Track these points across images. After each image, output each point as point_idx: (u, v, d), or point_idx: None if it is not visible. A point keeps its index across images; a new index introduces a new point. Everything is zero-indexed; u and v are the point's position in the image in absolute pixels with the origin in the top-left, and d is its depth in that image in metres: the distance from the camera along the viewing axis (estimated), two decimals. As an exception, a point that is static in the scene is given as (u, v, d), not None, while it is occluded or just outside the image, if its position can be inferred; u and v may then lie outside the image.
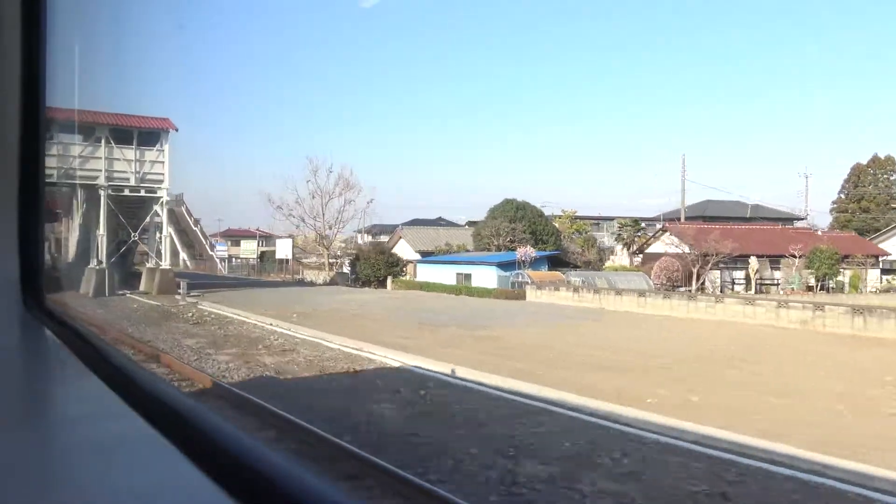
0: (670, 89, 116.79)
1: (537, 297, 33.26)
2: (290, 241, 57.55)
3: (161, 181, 36.06)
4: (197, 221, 77.71)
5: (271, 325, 21.86)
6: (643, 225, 53.86)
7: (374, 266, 45.42)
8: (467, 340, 18.66)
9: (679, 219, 53.72)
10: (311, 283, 50.08)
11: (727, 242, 37.99)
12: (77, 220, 41.29)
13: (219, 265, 75.85)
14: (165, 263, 36.43)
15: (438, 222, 67.41)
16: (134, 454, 1.07)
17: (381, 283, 45.58)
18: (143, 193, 36.16)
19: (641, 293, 30.00)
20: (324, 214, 53.84)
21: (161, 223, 36.66)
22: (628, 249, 51.03)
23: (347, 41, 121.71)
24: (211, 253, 78.79)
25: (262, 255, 67.28)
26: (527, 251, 37.48)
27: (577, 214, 57.79)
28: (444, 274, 41.15)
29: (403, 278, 45.36)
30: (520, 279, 35.73)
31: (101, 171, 34.46)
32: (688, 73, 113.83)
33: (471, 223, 66.37)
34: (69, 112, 31.45)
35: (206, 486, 0.85)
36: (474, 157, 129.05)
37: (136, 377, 1.43)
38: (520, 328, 21.83)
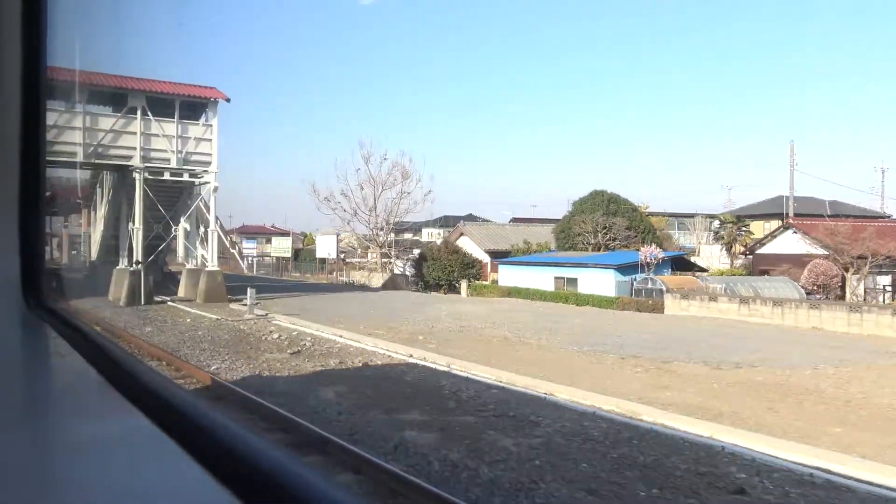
0: (720, 84, 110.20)
1: (684, 309, 26.56)
2: (334, 238, 50.83)
3: (208, 162, 29.35)
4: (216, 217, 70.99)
5: (410, 356, 15.18)
6: (747, 222, 47.05)
7: (445, 268, 38.75)
8: (787, 398, 11.98)
9: (786, 214, 46.90)
10: (365, 287, 43.41)
11: (888, 243, 31.36)
12: (102, 210, 34.58)
13: (242, 264, 69.24)
14: (213, 263, 29.69)
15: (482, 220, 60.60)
16: (136, 452, 1.06)
17: (453, 288, 38.92)
18: (185, 178, 29.46)
19: (854, 307, 23.29)
20: (375, 207, 47.16)
21: (208, 214, 29.90)
22: (728, 249, 44.28)
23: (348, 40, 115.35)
24: (233, 251, 72.16)
25: (296, 254, 60.57)
26: (652, 251, 30.78)
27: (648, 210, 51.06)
28: (536, 277, 34.45)
29: (481, 282, 38.64)
30: (648, 285, 29.00)
31: (135, 149, 27.74)
32: (739, 66, 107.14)
33: (516, 220, 59.81)
34: (95, 76, 24.43)
35: (209, 483, 0.84)
36: (496, 154, 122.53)
37: (138, 375, 1.45)
38: (810, 367, 15.10)
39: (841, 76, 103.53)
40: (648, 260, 30.26)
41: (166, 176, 28.71)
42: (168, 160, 28.48)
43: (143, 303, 27.18)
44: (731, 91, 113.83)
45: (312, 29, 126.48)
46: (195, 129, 29.10)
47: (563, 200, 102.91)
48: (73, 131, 26.54)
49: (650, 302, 27.81)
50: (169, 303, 28.21)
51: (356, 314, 24.58)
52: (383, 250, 47.38)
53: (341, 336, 18.16)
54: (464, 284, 38.27)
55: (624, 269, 30.69)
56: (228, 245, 74.31)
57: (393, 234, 48.88)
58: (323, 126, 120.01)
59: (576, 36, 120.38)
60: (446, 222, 62.07)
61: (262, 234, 77.89)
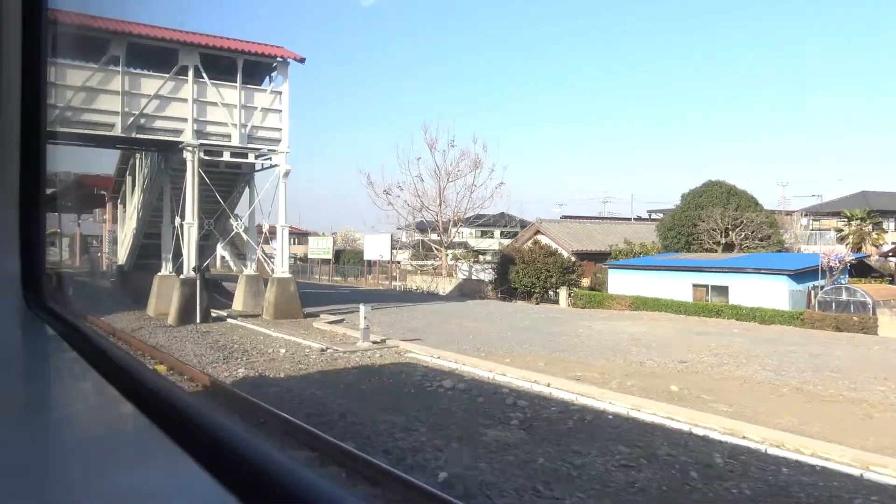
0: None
1: (911, 330, 20.13)
2: (386, 238, 44.48)
3: (277, 139, 22.98)
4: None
5: (735, 436, 8.81)
6: (878, 218, 40.59)
7: (540, 272, 32.38)
8: None
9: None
10: (434, 295, 37.06)
11: None
12: (134, 203, 28.23)
13: (268, 267, 63.01)
14: (283, 269, 23.30)
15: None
16: (136, 451, 1.06)
17: (544, 296, 32.56)
18: (247, 159, 23.11)
19: None
20: (444, 201, 40.83)
21: (276, 203, 23.53)
22: (858, 250, 37.81)
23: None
24: (259, 253, 65.95)
25: (337, 256, 54.21)
26: (836, 252, 24.39)
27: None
28: (664, 285, 28.08)
29: (582, 289, 32.22)
30: (843, 296, 22.58)
31: (187, 121, 21.37)
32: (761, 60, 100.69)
33: (566, 217, 53.35)
34: (133, 26, 17.68)
35: (208, 483, 0.84)
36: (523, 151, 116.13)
37: (138, 374, 1.45)
38: None
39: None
40: (833, 263, 23.86)
41: (225, 157, 22.34)
42: (228, 136, 22.10)
43: (198, 320, 20.83)
44: (770, 85, 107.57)
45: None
46: (261, 98, 22.72)
47: (587, 199, 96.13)
48: (108, 97, 20.21)
49: (855, 319, 21.37)
50: (229, 320, 21.85)
51: (494, 337, 18.22)
52: (456, 251, 41.02)
53: (542, 383, 11.81)
54: (563, 292, 31.88)
55: (799, 275, 24.29)
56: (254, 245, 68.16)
57: (462, 233, 42.52)
58: (372, 107, 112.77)
59: (591, 31, 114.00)
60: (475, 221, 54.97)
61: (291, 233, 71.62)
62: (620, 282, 30.86)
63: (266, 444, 0.91)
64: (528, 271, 32.77)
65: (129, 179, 29.53)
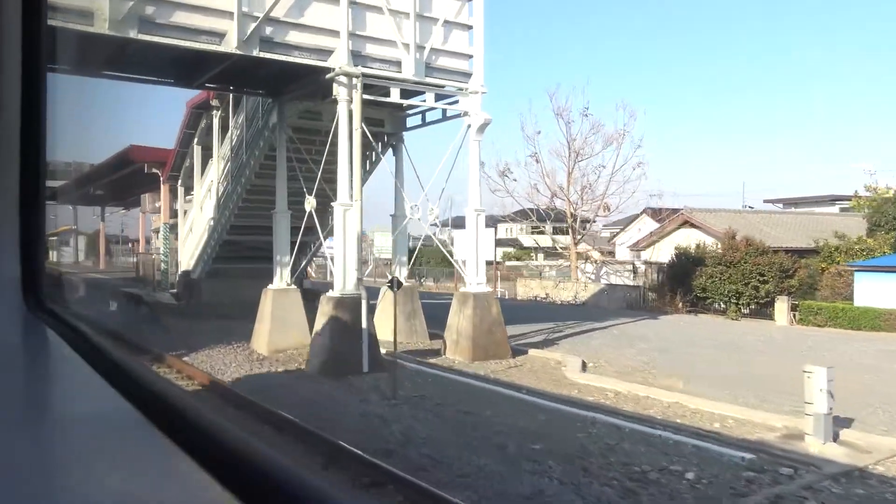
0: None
1: None
2: (490, 233, 35.83)
3: (466, 72, 14.39)
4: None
5: None
6: None
7: (748, 277, 23.77)
8: None
9: None
10: (572, 305, 28.56)
11: None
12: (213, 180, 19.65)
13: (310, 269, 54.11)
14: (479, 279, 14.59)
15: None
16: (136, 452, 1.05)
17: (756, 309, 24.02)
18: (424, 102, 14.58)
19: None
20: (569, 186, 32.33)
21: (474, 175, 14.83)
22: None
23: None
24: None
25: (410, 254, 45.49)
26: None
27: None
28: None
29: (817, 301, 23.58)
30: None
31: (339, 35, 12.76)
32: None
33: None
34: None
35: (210, 485, 0.84)
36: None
37: (138, 376, 1.47)
38: None
39: None
40: None
41: (394, 96, 13.72)
42: (396, 64, 13.50)
43: (366, 369, 12.27)
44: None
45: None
46: (443, 5, 14.08)
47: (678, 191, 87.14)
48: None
49: None
50: (403, 363, 13.27)
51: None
52: (592, 249, 32.59)
53: None
54: (782, 304, 23.28)
55: None
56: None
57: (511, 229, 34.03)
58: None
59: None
60: (522, 215, 44.58)
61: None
62: (876, 290, 22.23)
63: (267, 446, 0.91)
64: (730, 276, 24.17)
65: (198, 150, 20.93)
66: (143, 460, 1.02)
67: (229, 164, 18.41)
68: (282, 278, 15.29)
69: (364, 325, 12.41)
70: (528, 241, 57.98)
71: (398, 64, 13.45)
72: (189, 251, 21.44)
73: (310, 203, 14.30)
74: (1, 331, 2.03)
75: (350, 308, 12.49)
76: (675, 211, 37.03)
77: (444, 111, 15.44)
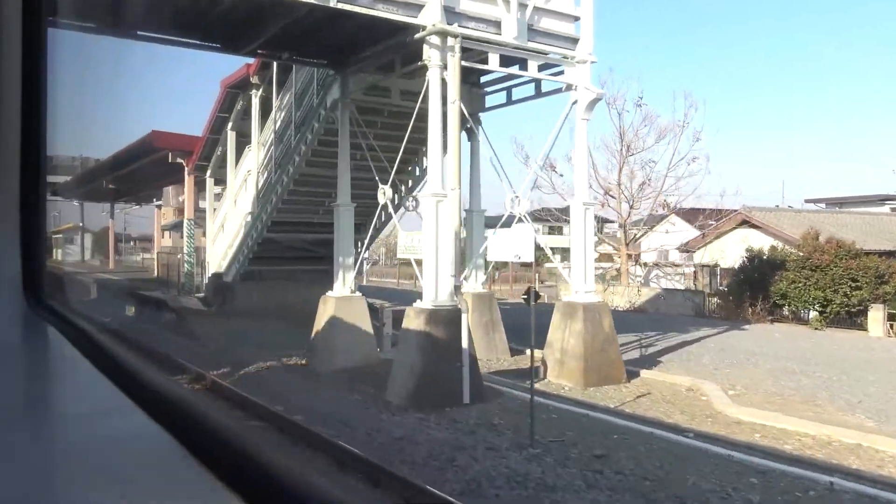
0: None
1: None
2: (528, 230, 33.41)
3: (572, 37, 11.93)
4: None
5: None
6: None
7: (839, 282, 21.33)
8: None
9: None
10: (627, 311, 26.13)
11: None
12: (251, 169, 17.22)
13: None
14: (587, 287, 12.10)
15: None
16: (138, 451, 1.05)
17: (843, 318, 21.59)
18: (526, 70, 12.14)
19: None
20: (619, 181, 29.93)
21: (579, 155, 12.38)
22: None
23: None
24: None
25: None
26: None
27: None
28: None
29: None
30: None
31: (428, -14, 10.33)
32: None
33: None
34: None
35: (211, 482, 0.84)
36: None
37: (140, 374, 1.45)
38: None
39: None
40: None
41: (492, 63, 11.26)
42: (496, 23, 11.04)
43: (466, 400, 9.82)
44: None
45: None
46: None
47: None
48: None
49: None
50: (500, 389, 10.82)
51: None
52: (628, 252, 30.30)
53: None
54: (877, 313, 20.84)
55: None
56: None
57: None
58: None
59: None
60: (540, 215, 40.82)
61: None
62: None
63: (270, 445, 0.91)
64: (817, 281, 21.72)
65: (231, 137, 18.51)
66: (144, 457, 1.00)
67: (272, 150, 15.99)
68: (344, 283, 12.85)
69: (465, 344, 9.96)
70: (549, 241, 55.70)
71: (497, 24, 11.01)
72: (220, 251, 19.02)
73: (384, 194, 11.88)
74: (1, 328, 2.02)
75: (446, 323, 10.05)
76: (717, 211, 34.53)
77: (537, 86, 13.02)
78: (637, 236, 37.75)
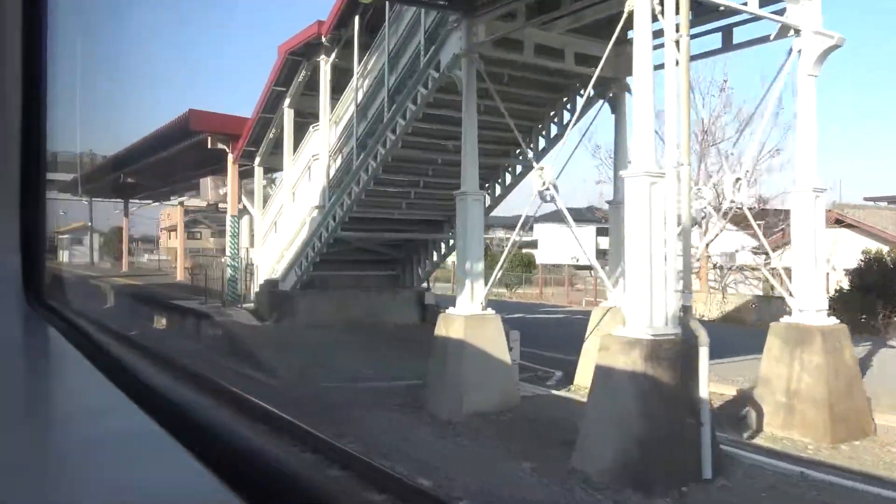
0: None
1: None
2: (590, 231, 30.35)
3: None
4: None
5: None
6: None
7: None
8: None
9: None
10: (726, 321, 22.93)
11: None
12: (329, 146, 14.04)
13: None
14: (817, 305, 8.93)
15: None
16: (137, 450, 1.05)
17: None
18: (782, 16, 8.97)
19: None
20: (699, 171, 26.73)
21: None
22: None
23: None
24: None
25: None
26: None
27: None
28: None
29: None
30: None
31: None
32: None
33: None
34: None
35: (210, 481, 0.84)
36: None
37: (139, 373, 1.45)
38: None
39: None
40: None
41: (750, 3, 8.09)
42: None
43: (708, 475, 6.64)
44: None
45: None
46: None
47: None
48: None
49: None
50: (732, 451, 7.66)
51: None
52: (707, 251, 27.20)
53: None
54: None
55: None
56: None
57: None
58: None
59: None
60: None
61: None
62: None
63: (269, 444, 0.90)
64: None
65: (289, 115, 15.33)
66: (143, 456, 1.00)
67: (350, 129, 12.85)
68: (472, 297, 9.65)
69: (703, 392, 6.78)
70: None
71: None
72: (272, 253, 15.88)
73: (542, 175, 8.69)
74: (2, 327, 2.00)
75: (671, 362, 6.87)
76: (779, 211, 31.30)
77: (726, 36, 9.86)
78: (717, 234, 34.60)
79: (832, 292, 24.31)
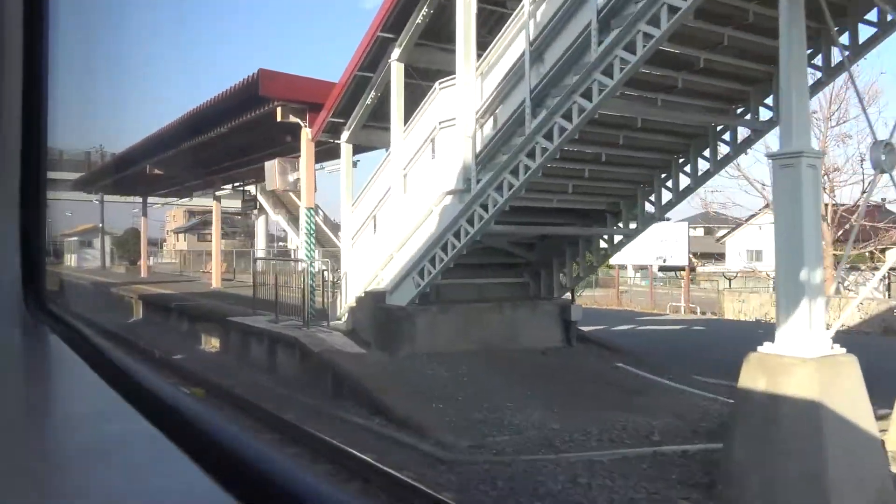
0: None
1: None
2: (682, 227, 26.51)
3: None
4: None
5: None
6: None
7: None
8: None
9: None
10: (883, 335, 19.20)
11: None
12: (475, 109, 10.11)
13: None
14: None
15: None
16: (137, 455, 1.04)
17: None
18: None
19: None
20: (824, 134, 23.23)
21: None
22: None
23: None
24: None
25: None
26: None
27: None
28: None
29: None
30: None
31: None
32: None
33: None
34: None
35: (209, 487, 0.83)
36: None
37: (138, 378, 1.44)
38: None
39: None
40: None
41: None
42: None
43: None
44: None
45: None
46: None
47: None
48: None
49: None
50: None
51: None
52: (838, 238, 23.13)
53: None
54: None
55: None
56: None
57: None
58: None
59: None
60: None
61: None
62: None
63: (268, 448, 0.90)
64: None
65: (398, 70, 11.46)
66: (143, 461, 1.00)
67: (516, 80, 9.01)
68: (811, 325, 5.80)
69: None
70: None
71: None
72: (372, 256, 12.06)
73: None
74: (0, 331, 2.00)
75: None
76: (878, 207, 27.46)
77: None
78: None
79: None
